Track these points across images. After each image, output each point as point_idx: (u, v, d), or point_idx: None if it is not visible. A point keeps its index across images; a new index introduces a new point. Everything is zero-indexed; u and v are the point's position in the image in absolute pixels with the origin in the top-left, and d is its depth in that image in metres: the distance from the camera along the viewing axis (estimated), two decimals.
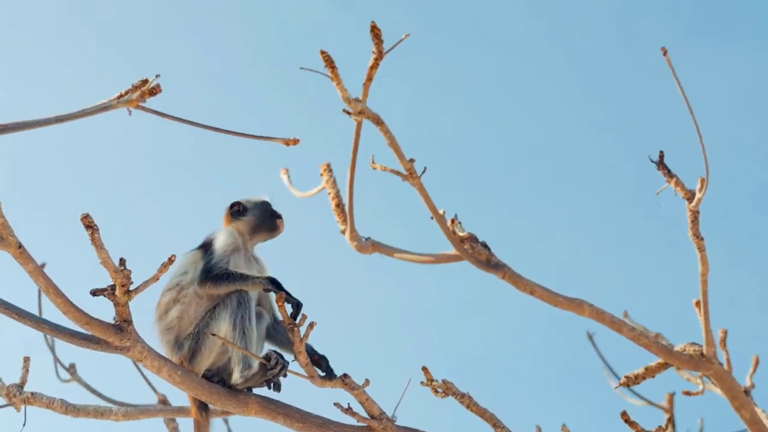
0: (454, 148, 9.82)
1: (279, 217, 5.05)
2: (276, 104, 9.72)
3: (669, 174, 5.36)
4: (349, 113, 5.16)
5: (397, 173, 5.31)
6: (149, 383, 6.35)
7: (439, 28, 9.96)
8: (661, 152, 5.37)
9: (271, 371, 4.61)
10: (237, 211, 5.04)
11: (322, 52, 5.05)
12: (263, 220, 5.03)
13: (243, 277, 4.70)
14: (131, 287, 4.24)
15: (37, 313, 4.34)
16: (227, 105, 9.68)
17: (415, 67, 9.70)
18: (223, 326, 4.64)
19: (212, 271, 4.72)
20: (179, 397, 4.92)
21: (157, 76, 3.85)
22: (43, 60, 9.80)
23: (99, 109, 3.79)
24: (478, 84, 10.28)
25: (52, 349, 6.56)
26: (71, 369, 6.56)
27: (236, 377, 4.61)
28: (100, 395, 6.48)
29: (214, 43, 10.14)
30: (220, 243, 4.86)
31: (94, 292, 4.21)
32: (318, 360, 4.78)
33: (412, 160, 5.28)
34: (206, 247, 4.87)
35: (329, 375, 4.73)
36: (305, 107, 9.52)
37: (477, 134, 10.22)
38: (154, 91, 3.79)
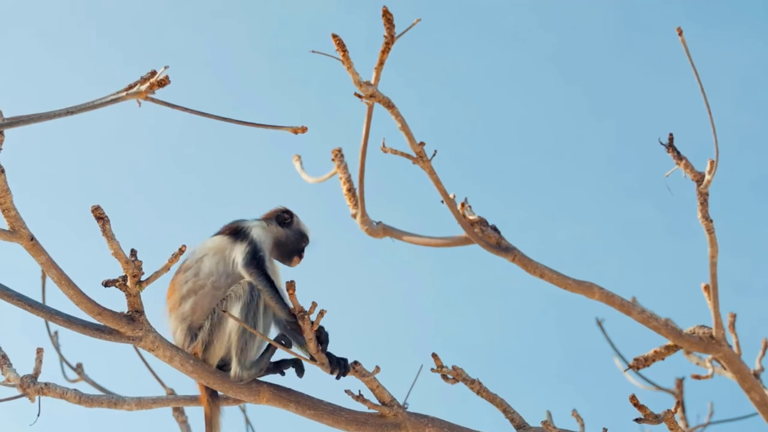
0: (458, 137, 9.83)
1: (300, 257, 4.98)
2: (286, 93, 9.72)
3: (678, 156, 5.34)
4: (360, 97, 5.17)
5: (408, 156, 5.32)
6: (157, 378, 6.38)
7: (444, 17, 9.94)
8: (671, 134, 5.36)
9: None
10: (284, 219, 4.99)
11: (334, 36, 5.06)
12: (290, 246, 4.97)
13: (280, 301, 4.66)
14: (143, 278, 4.26)
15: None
16: (235, 96, 9.68)
17: (421, 56, 9.70)
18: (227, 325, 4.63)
19: (262, 263, 4.71)
20: (187, 391, 4.93)
21: (165, 67, 3.84)
22: (50, 55, 9.81)
23: (109, 101, 3.80)
24: (483, 73, 10.28)
25: (57, 348, 6.55)
26: (78, 369, 6.56)
27: (237, 371, 4.61)
28: (109, 393, 6.48)
29: (220, 34, 10.14)
30: (259, 235, 4.83)
31: (106, 283, 4.24)
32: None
33: (422, 144, 5.28)
34: (238, 234, 4.83)
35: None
36: (315, 95, 9.52)
37: (481, 123, 10.22)
38: (162, 83, 3.78)
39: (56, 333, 6.62)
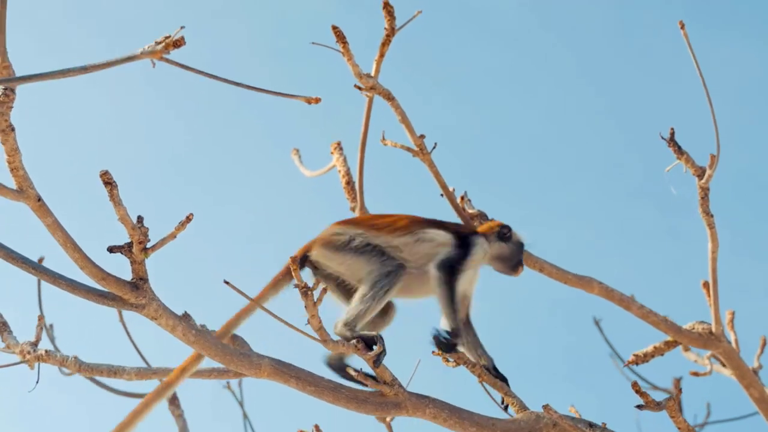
0: (456, 137, 9.81)
1: (522, 265, 5.13)
2: (284, 85, 9.70)
3: (679, 151, 5.35)
4: (360, 89, 5.17)
5: (408, 149, 5.31)
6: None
7: (444, 17, 9.97)
8: (672, 129, 5.37)
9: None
10: (504, 234, 5.11)
11: (334, 28, 5.07)
12: (513, 258, 5.11)
13: (451, 313, 4.81)
14: (148, 245, 4.21)
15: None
16: (235, 95, 9.67)
17: (420, 55, 9.72)
18: (366, 280, 4.80)
19: (454, 273, 4.85)
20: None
21: (181, 27, 3.81)
22: (47, 54, 9.76)
23: (123, 60, 3.75)
24: (483, 72, 10.29)
25: (53, 341, 6.46)
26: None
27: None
28: (104, 386, 6.41)
29: (220, 34, 10.14)
30: (476, 254, 4.97)
31: (111, 249, 4.17)
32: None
33: (422, 136, 5.28)
34: (463, 241, 4.98)
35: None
36: (314, 90, 9.49)
37: (480, 123, 10.22)
38: (178, 43, 3.75)
39: (51, 326, 6.57)
